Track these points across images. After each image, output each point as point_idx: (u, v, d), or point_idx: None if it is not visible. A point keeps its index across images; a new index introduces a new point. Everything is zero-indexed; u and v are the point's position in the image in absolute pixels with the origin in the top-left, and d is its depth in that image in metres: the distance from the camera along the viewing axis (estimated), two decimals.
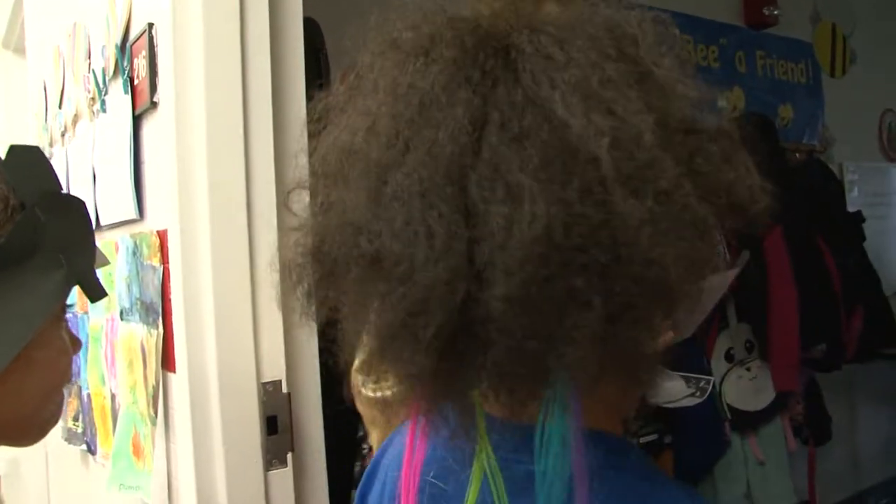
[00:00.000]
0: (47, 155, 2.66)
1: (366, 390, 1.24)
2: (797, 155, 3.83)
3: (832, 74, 4.64)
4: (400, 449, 0.74)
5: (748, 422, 3.16)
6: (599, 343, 0.55)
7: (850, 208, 3.86)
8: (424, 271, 0.54)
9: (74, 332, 2.35)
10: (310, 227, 0.67)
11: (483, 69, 0.57)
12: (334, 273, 0.62)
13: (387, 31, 0.63)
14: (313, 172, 0.69)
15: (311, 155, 0.69)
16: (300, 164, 1.54)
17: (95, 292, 0.85)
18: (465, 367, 0.57)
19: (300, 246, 0.68)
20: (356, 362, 1.24)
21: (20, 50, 3.49)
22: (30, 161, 0.81)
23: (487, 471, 0.62)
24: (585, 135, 0.55)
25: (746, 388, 3.15)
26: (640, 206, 0.55)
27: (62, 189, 0.85)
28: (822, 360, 3.34)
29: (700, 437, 2.97)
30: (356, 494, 0.79)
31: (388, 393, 1.23)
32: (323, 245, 0.63)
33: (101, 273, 2.02)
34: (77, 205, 0.85)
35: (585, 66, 0.57)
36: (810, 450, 3.42)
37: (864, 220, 3.70)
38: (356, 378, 1.36)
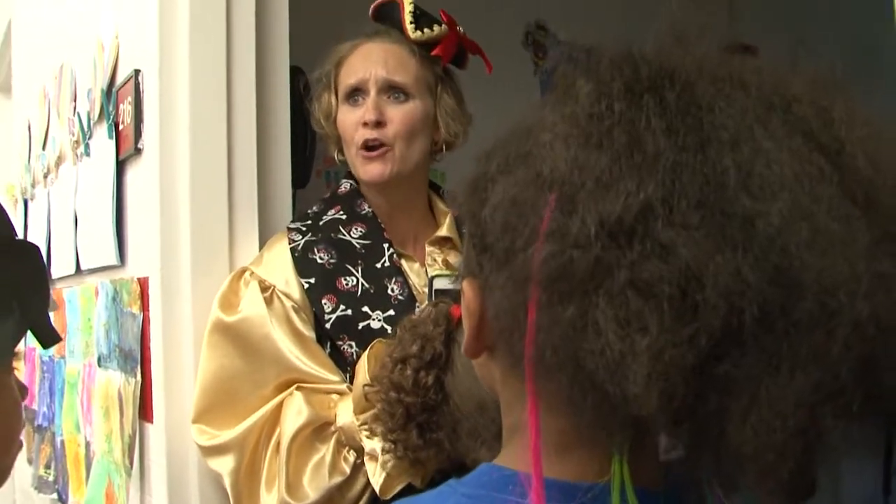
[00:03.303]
0: (28, 196, 2.64)
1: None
2: None
3: None
4: None
5: None
6: None
7: None
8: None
9: (50, 377, 2.32)
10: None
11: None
12: None
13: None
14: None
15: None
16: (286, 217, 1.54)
17: (48, 338, 0.84)
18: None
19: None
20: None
21: (6, 89, 3.48)
22: None
23: None
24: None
25: None
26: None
27: (16, 235, 0.85)
28: None
29: (685, 495, 2.95)
30: None
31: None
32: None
33: (79, 318, 2.00)
34: (31, 251, 0.85)
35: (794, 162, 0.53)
36: None
37: None
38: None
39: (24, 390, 0.88)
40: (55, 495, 2.18)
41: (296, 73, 1.66)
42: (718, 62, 0.58)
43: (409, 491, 1.17)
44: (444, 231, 1.46)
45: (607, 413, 0.53)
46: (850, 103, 0.57)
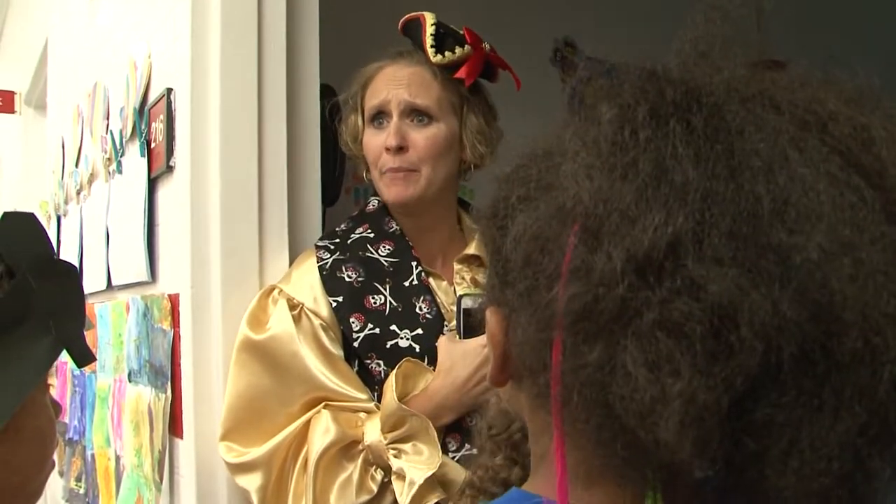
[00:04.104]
0: (61, 212, 2.68)
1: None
2: None
3: None
4: None
5: None
6: None
7: None
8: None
9: (81, 391, 2.34)
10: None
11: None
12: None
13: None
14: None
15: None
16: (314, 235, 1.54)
17: (83, 358, 0.85)
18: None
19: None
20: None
21: (41, 107, 3.55)
22: (22, 228, 0.83)
23: None
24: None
25: None
26: None
27: (55, 255, 0.87)
28: None
29: None
30: None
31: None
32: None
33: (110, 333, 2.02)
34: (68, 270, 0.87)
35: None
36: None
37: None
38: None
39: (58, 408, 0.89)
40: None
41: (326, 91, 1.67)
42: (748, 79, 0.55)
43: None
44: (472, 249, 1.45)
45: (639, 455, 0.51)
46: (890, 118, 0.54)
